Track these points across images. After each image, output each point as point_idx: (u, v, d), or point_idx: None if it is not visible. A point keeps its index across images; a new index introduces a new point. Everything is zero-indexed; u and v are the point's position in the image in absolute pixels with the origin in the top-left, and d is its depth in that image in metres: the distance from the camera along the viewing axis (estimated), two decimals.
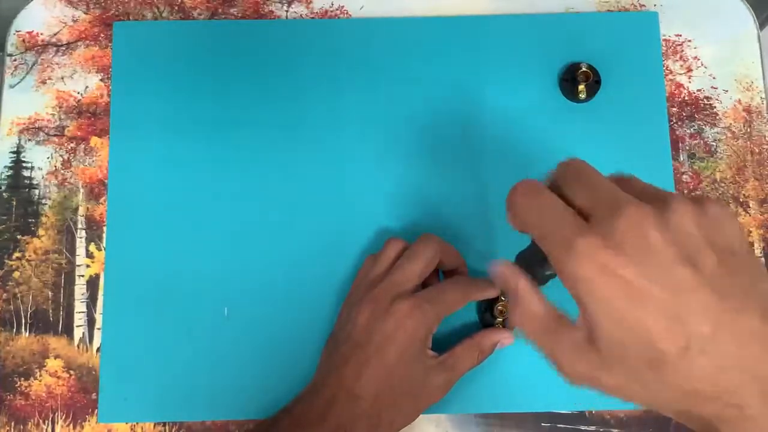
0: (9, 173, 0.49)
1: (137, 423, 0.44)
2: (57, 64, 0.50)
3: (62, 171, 0.48)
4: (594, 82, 0.48)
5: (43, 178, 0.48)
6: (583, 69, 0.47)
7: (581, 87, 0.47)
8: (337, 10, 0.51)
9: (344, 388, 0.38)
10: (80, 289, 0.47)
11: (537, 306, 0.29)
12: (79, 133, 0.49)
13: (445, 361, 0.41)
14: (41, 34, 0.50)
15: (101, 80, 0.50)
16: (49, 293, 0.47)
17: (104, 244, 0.47)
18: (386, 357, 0.38)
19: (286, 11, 0.51)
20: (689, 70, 0.50)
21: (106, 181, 0.48)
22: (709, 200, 0.27)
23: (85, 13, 0.51)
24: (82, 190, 0.48)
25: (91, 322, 0.46)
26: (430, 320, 0.39)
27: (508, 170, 0.48)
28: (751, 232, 0.48)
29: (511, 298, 0.30)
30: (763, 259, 0.47)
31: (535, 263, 0.33)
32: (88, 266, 0.47)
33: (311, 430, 0.37)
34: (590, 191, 0.27)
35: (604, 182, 0.28)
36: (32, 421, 0.44)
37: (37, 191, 0.48)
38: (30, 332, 0.46)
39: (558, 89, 0.49)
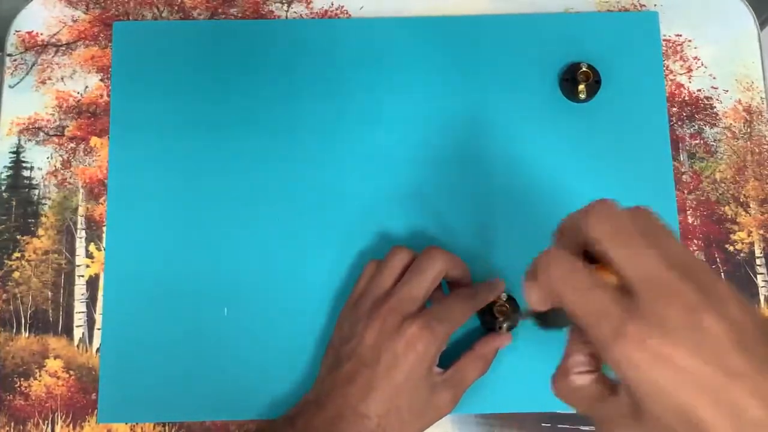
0: (9, 173, 0.49)
1: (137, 423, 0.44)
2: (57, 64, 0.50)
3: (62, 171, 0.48)
4: (594, 82, 0.48)
5: (42, 178, 0.48)
6: (584, 69, 0.47)
7: (581, 87, 0.47)
8: (337, 10, 0.51)
9: (350, 407, 0.38)
10: (80, 289, 0.47)
11: (584, 380, 0.30)
12: (79, 133, 0.49)
13: (451, 378, 0.41)
14: (41, 34, 0.50)
15: (101, 80, 0.50)
16: (49, 293, 0.47)
17: (104, 244, 0.47)
18: (394, 378, 0.38)
19: (286, 11, 0.51)
20: (689, 70, 0.50)
21: (106, 181, 0.48)
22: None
23: (85, 13, 0.51)
24: (81, 190, 0.48)
25: (91, 322, 0.46)
26: (440, 340, 0.39)
27: (508, 169, 0.48)
28: (751, 232, 0.48)
29: (560, 372, 0.30)
30: (763, 259, 0.47)
31: (557, 322, 0.32)
32: (88, 266, 0.47)
33: None
34: (635, 263, 0.26)
35: (647, 250, 0.26)
36: (32, 421, 0.44)
37: (37, 191, 0.48)
38: (30, 332, 0.46)
39: (558, 89, 0.49)
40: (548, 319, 0.32)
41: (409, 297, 0.40)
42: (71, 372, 0.45)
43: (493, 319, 0.43)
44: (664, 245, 0.27)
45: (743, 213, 0.48)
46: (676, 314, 0.25)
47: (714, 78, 0.50)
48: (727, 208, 0.48)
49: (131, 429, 0.44)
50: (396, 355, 0.38)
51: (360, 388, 0.38)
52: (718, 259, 0.47)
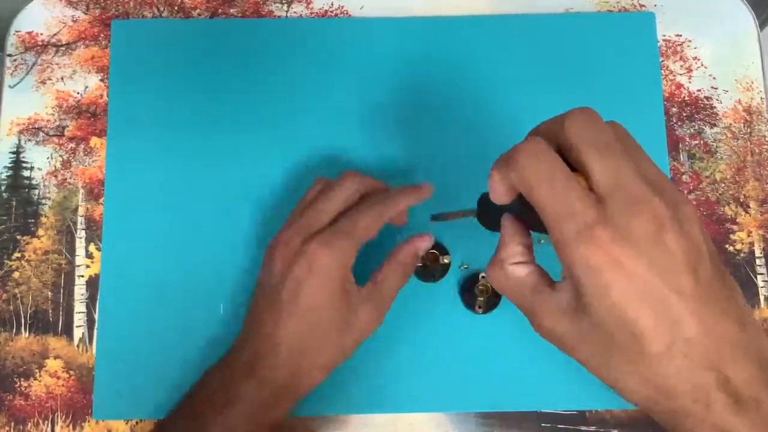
0: (9, 173, 0.49)
1: (137, 423, 0.44)
2: (57, 64, 0.50)
3: (62, 171, 0.48)
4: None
5: (42, 178, 0.48)
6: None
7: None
8: (337, 9, 0.51)
9: (266, 337, 0.38)
10: (80, 290, 0.47)
11: (520, 271, 0.30)
12: (78, 133, 0.49)
13: (371, 291, 0.40)
14: (41, 34, 0.50)
15: (101, 80, 0.50)
16: (49, 293, 0.47)
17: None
18: (301, 301, 0.37)
19: (286, 11, 0.51)
20: (689, 70, 0.50)
21: None
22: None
23: (85, 14, 0.51)
24: (81, 191, 0.48)
25: (90, 323, 0.46)
26: (344, 254, 0.38)
27: None
28: (751, 232, 0.48)
29: (495, 262, 0.31)
30: (763, 259, 0.47)
31: (498, 223, 0.32)
32: (87, 266, 0.47)
33: (242, 384, 0.37)
34: (610, 170, 0.26)
35: (623, 160, 0.27)
36: (32, 421, 0.44)
37: (36, 191, 0.48)
38: (30, 332, 0.46)
39: (553, 87, 0.49)
40: (490, 217, 0.32)
41: (312, 219, 0.39)
42: (71, 372, 0.45)
43: (473, 297, 0.44)
44: (639, 159, 0.27)
45: (743, 213, 0.48)
46: (643, 226, 0.25)
47: (714, 78, 0.50)
48: (727, 208, 0.48)
49: (131, 429, 0.44)
50: (299, 277, 0.37)
51: (272, 317, 0.38)
52: None
